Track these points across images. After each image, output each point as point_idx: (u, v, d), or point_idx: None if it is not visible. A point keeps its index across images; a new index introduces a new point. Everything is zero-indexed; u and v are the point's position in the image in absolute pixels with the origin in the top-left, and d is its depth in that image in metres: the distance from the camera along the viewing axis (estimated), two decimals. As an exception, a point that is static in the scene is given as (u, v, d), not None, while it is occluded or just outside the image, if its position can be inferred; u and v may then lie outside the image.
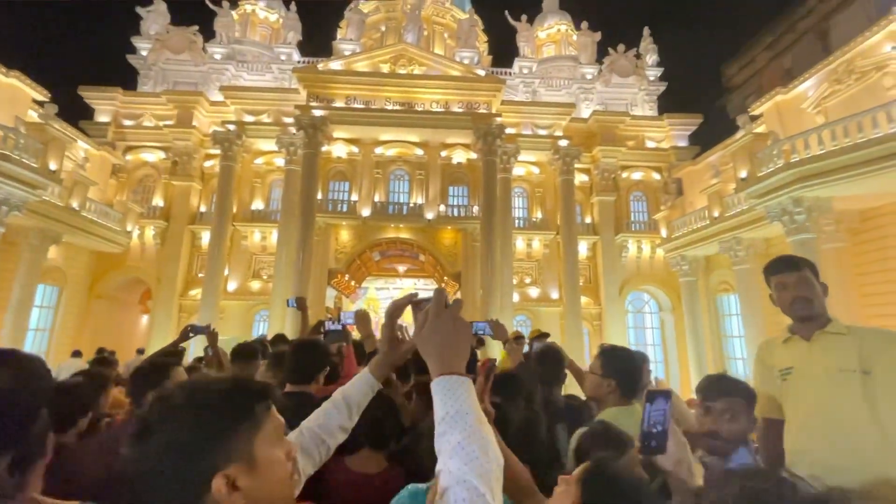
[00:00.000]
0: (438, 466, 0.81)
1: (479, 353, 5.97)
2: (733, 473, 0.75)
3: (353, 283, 20.84)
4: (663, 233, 17.87)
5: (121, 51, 20.75)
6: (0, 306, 12.97)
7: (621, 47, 21.80)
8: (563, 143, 18.07)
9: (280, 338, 5.30)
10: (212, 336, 3.77)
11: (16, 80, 13.15)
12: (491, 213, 16.65)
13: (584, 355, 16.24)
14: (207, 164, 18.65)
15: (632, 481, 1.08)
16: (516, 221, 18.45)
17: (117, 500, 0.82)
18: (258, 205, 18.54)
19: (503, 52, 25.71)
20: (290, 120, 17.33)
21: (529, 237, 18.79)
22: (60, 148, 13.06)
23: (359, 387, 1.36)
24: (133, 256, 17.44)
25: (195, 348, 11.06)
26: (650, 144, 20.04)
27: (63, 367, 10.06)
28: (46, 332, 15.27)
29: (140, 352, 13.08)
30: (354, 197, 18.21)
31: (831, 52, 13.02)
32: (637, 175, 19.69)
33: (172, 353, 3.53)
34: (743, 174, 12.73)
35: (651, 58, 22.36)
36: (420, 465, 1.64)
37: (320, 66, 18.05)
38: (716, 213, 14.66)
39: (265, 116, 18.33)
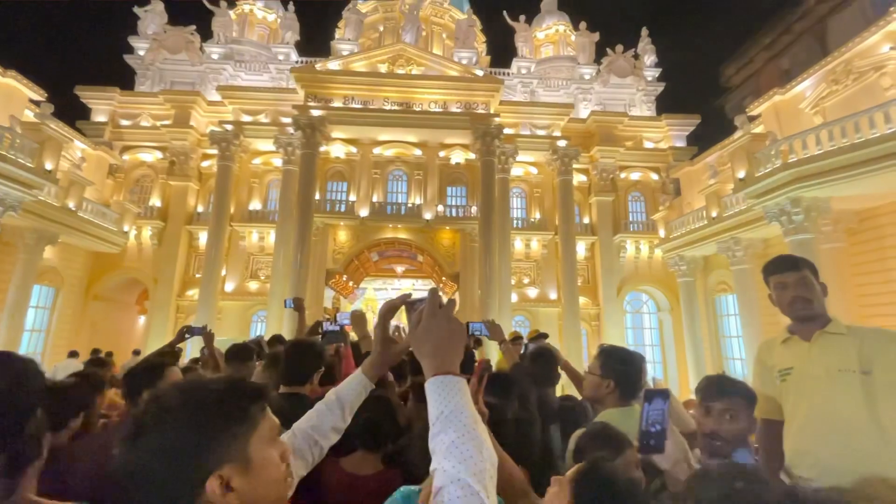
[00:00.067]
0: (433, 466, 0.80)
1: (476, 353, 5.97)
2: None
3: (351, 283, 20.81)
4: (661, 233, 17.88)
5: (118, 51, 20.71)
6: (-4, 307, 12.89)
7: (619, 48, 21.81)
8: (562, 143, 18.08)
9: (278, 338, 5.29)
10: (208, 337, 3.75)
11: (12, 79, 13.08)
12: (489, 213, 16.64)
13: (582, 356, 16.25)
14: (205, 164, 18.60)
15: (625, 482, 1.07)
16: (515, 222, 18.45)
17: (111, 501, 0.81)
18: (256, 205, 18.50)
19: (501, 52, 25.74)
20: (287, 120, 17.31)
21: (528, 237, 18.79)
22: (56, 148, 12.99)
23: (352, 387, 1.36)
24: (130, 257, 17.38)
25: (192, 349, 11.03)
26: (648, 145, 20.06)
27: (59, 368, 10.04)
28: (42, 333, 15.20)
29: (136, 353, 13.05)
30: (352, 197, 18.19)
31: (829, 52, 13.04)
32: (635, 175, 19.71)
33: (168, 354, 3.52)
34: (741, 174, 12.73)
35: (649, 58, 22.40)
36: (416, 466, 1.63)
37: (318, 66, 18.02)
38: (714, 214, 14.68)
39: (263, 116, 18.29)
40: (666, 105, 21.86)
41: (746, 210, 13.01)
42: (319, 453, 1.27)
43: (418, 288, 23.61)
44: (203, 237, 17.54)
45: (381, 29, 23.27)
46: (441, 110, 17.84)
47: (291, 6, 22.75)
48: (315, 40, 32.38)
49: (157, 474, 0.73)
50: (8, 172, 11.13)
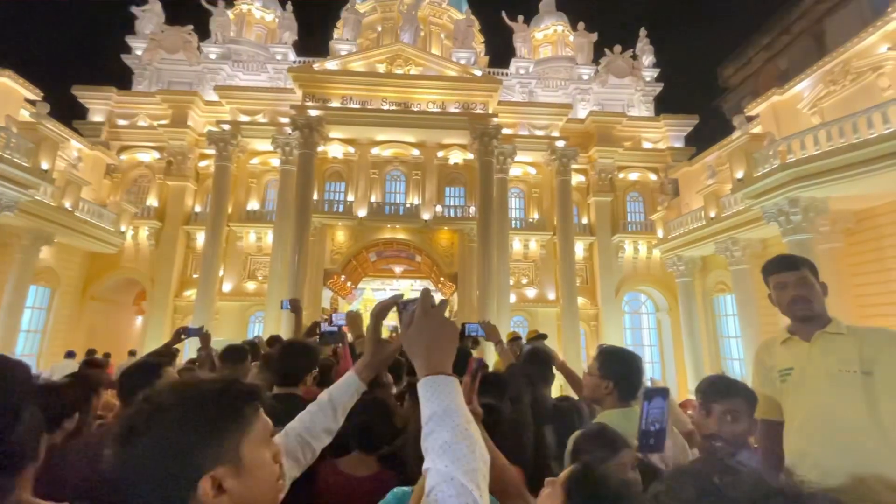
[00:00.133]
0: (425, 465, 0.80)
1: (474, 353, 5.94)
2: (686, 469, 0.71)
3: (349, 284, 20.78)
4: (660, 233, 17.89)
5: (115, 50, 20.67)
6: (-9, 307, 12.82)
7: (618, 48, 21.83)
8: (560, 143, 18.08)
9: (276, 339, 5.28)
10: (205, 338, 3.74)
11: (8, 78, 13.03)
12: (487, 213, 16.63)
13: (581, 356, 16.24)
14: (202, 164, 18.55)
15: (618, 484, 1.07)
16: (513, 222, 18.44)
17: (105, 502, 0.80)
18: (253, 205, 18.45)
19: (500, 52, 25.75)
20: (285, 120, 17.27)
21: (526, 238, 18.78)
22: (52, 147, 12.94)
23: (344, 389, 1.36)
24: (127, 257, 17.31)
25: (189, 350, 10.99)
26: (647, 145, 20.07)
27: (57, 368, 10.04)
28: (39, 334, 15.12)
29: (132, 353, 13.00)
30: (350, 197, 18.15)
31: (826, 53, 13.07)
32: (634, 175, 19.71)
33: (164, 355, 3.51)
34: (739, 175, 12.74)
35: (647, 59, 22.43)
36: (412, 467, 1.61)
37: (316, 66, 17.99)
38: (712, 214, 14.68)
39: (261, 116, 18.25)
40: (664, 105, 21.92)
41: (745, 210, 13.01)
42: (312, 455, 1.27)
43: (417, 289, 23.60)
44: (200, 237, 17.48)
45: (380, 29, 23.25)
46: (439, 110, 17.82)
47: (289, 6, 22.74)
48: (313, 40, 32.31)
49: (148, 474, 0.72)
50: (3, 172, 11.07)
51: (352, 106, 17.59)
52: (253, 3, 22.44)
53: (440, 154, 18.65)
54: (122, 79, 20.08)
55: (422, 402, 0.89)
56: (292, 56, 21.76)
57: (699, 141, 19.40)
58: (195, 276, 17.33)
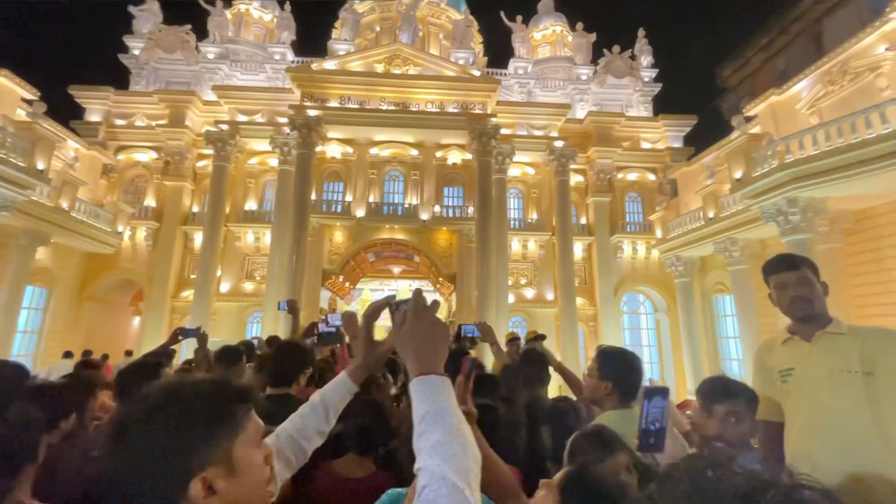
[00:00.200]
0: (417, 465, 0.80)
1: (472, 353, 5.92)
2: (678, 465, 0.70)
3: (347, 284, 20.75)
4: (658, 234, 17.88)
5: (113, 50, 20.61)
6: (-13, 308, 12.75)
7: (616, 48, 21.85)
8: (559, 143, 18.07)
9: (274, 340, 5.26)
10: (202, 339, 3.73)
11: (4, 78, 12.99)
12: (486, 213, 16.61)
13: (579, 356, 16.22)
14: (200, 164, 18.50)
15: (613, 486, 1.08)
16: (512, 222, 18.42)
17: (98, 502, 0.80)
18: (251, 205, 18.41)
19: (499, 52, 25.75)
20: (284, 120, 17.23)
21: (525, 238, 18.76)
22: (49, 147, 12.88)
23: (336, 390, 1.35)
24: (124, 257, 17.25)
25: (187, 351, 10.95)
26: (645, 145, 20.08)
27: (54, 369, 10.03)
28: (35, 335, 15.06)
29: (128, 353, 12.98)
30: (349, 197, 18.12)
31: (824, 53, 13.07)
32: (632, 176, 19.72)
33: (161, 355, 3.53)
34: (738, 175, 12.74)
35: (646, 59, 22.44)
36: (408, 468, 1.60)
37: (314, 66, 17.95)
38: (711, 214, 14.68)
39: (259, 116, 18.21)
40: (663, 106, 21.94)
41: (743, 210, 13.01)
42: (303, 456, 1.26)
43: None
44: (198, 238, 17.43)
45: (378, 29, 23.24)
46: (438, 110, 17.80)
47: (288, 6, 22.72)
48: (311, 40, 32.28)
49: (139, 475, 0.71)
50: (-1, 172, 11.02)
51: (350, 106, 17.55)
52: (251, 2, 22.41)
53: (439, 154, 18.63)
54: (119, 78, 20.08)
55: (413, 403, 0.89)
56: (290, 56, 21.73)
57: (698, 141, 19.44)
58: (193, 276, 17.27)
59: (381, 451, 2.23)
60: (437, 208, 18.15)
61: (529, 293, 18.42)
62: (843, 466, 1.71)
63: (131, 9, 21.05)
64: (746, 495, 0.59)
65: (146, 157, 18.31)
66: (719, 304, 16.88)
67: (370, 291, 23.46)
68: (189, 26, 20.54)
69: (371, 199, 18.12)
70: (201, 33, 21.14)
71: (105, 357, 12.14)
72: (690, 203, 16.74)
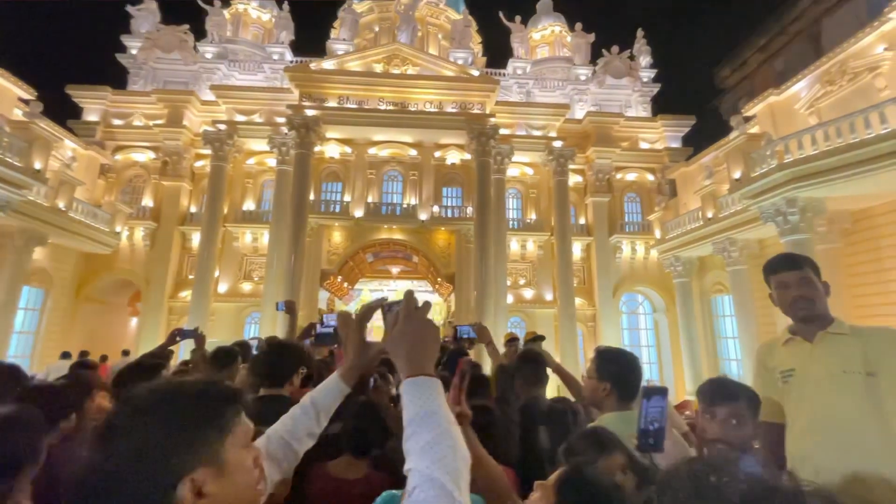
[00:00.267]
0: (407, 466, 0.81)
1: (470, 353, 5.91)
2: (680, 469, 0.70)
3: (346, 284, 20.70)
4: (657, 234, 17.87)
5: (110, 49, 20.54)
6: (-17, 308, 12.69)
7: (615, 49, 21.84)
8: (558, 143, 18.05)
9: (274, 340, 5.24)
10: (200, 340, 3.71)
11: (0, 77, 12.92)
12: (485, 214, 16.59)
13: (578, 357, 16.20)
14: (198, 164, 18.45)
15: (609, 486, 1.09)
16: (510, 222, 18.41)
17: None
18: (249, 205, 18.36)
19: (497, 53, 25.74)
20: (282, 120, 17.18)
21: (523, 238, 18.74)
22: (46, 147, 12.83)
23: (328, 392, 1.35)
24: (122, 258, 17.19)
25: (185, 352, 10.90)
26: (644, 146, 20.08)
27: (52, 369, 10.02)
28: (32, 335, 14.99)
29: (125, 353, 12.95)
30: (347, 198, 18.08)
31: (822, 54, 13.10)
32: (631, 176, 19.72)
33: (159, 356, 3.52)
34: (736, 175, 12.74)
35: (645, 59, 22.44)
36: (402, 469, 1.59)
37: (313, 66, 17.92)
38: (709, 214, 14.68)
39: (257, 116, 18.17)
40: (661, 106, 21.98)
41: (742, 211, 13.01)
42: (294, 458, 1.26)
43: (414, 289, 23.50)
44: (196, 238, 17.38)
45: (377, 29, 23.22)
46: (436, 110, 17.78)
47: (286, 6, 22.70)
48: (310, 40, 32.16)
49: (126, 477, 0.70)
50: (-5, 171, 10.97)
51: (349, 106, 17.52)
52: (249, 2, 22.38)
53: (437, 154, 18.61)
54: (117, 78, 20.01)
55: (404, 404, 0.90)
56: (289, 56, 21.69)
57: (696, 141, 19.45)
58: (190, 276, 17.21)
59: (376, 453, 2.23)
60: (435, 208, 18.12)
61: (528, 293, 18.40)
62: (845, 468, 1.70)
63: (129, 8, 20.99)
64: (749, 502, 0.58)
65: (144, 157, 18.25)
66: (718, 304, 16.88)
67: (369, 292, 23.41)
68: (187, 26, 20.49)
69: (370, 200, 18.09)
70: (199, 33, 21.10)
71: (104, 358, 12.14)
72: (689, 203, 16.74)
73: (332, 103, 17.49)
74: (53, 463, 1.72)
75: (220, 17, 21.39)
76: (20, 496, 1.13)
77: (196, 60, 20.19)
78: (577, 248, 18.70)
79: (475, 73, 18.90)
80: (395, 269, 21.85)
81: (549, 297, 18.24)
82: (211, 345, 4.00)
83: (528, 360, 3.16)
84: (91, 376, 3.64)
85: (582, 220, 19.52)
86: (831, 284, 2.05)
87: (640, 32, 22.88)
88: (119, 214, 16.63)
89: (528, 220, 19.08)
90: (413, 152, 18.44)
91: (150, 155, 18.14)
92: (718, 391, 1.93)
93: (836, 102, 11.94)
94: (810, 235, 11.10)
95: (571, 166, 18.47)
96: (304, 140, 16.54)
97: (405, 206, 18.15)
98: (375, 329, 1.34)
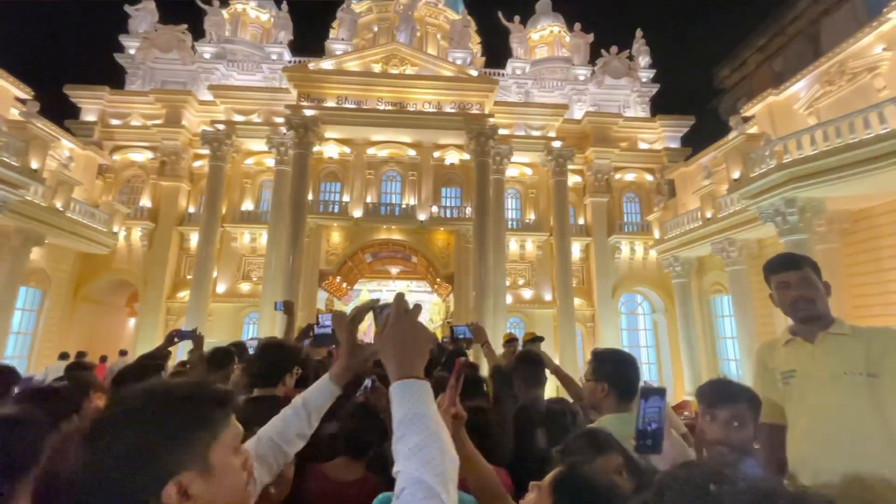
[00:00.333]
0: (395, 468, 0.81)
1: (469, 353, 5.90)
2: (679, 475, 0.69)
3: (344, 285, 20.68)
4: (656, 234, 17.87)
5: (108, 49, 20.48)
6: (-20, 309, 12.64)
7: (614, 49, 21.84)
8: (556, 144, 18.05)
9: (271, 340, 5.22)
10: (198, 341, 3.73)
11: (-3, 77, 12.89)
12: (484, 214, 16.57)
13: (577, 358, 16.18)
14: (196, 164, 18.41)
15: (604, 485, 1.09)
16: (509, 223, 18.40)
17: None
18: (248, 206, 18.32)
19: (496, 53, 25.77)
20: (280, 120, 17.16)
21: (522, 238, 18.73)
22: (43, 146, 12.79)
23: (319, 393, 1.35)
24: (119, 258, 17.14)
25: (183, 353, 10.86)
26: (643, 146, 20.08)
27: (51, 370, 10.00)
28: (29, 336, 14.94)
29: (123, 353, 12.92)
30: (346, 198, 18.05)
31: (821, 54, 13.10)
32: (630, 176, 19.72)
33: (157, 357, 3.53)
34: (735, 175, 12.73)
35: (643, 59, 22.44)
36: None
37: (311, 66, 17.90)
38: (708, 215, 14.68)
39: (255, 116, 18.14)
40: (660, 106, 21.96)
41: (741, 211, 13.01)
42: (284, 459, 1.27)
43: (413, 290, 23.51)
44: (194, 238, 17.32)
45: (376, 29, 23.20)
46: (435, 110, 17.76)
47: (285, 6, 22.68)
48: (309, 40, 32.25)
49: (112, 477, 0.70)
50: (-8, 171, 10.93)
51: (347, 106, 17.50)
52: (248, 2, 22.34)
53: (436, 154, 18.58)
54: (115, 78, 19.96)
55: (393, 407, 0.90)
56: (287, 56, 21.66)
57: (695, 142, 19.43)
58: (189, 277, 17.18)
59: (372, 454, 2.22)
60: (434, 209, 18.10)
61: (527, 294, 18.39)
62: (847, 470, 1.68)
63: (127, 8, 20.94)
64: None
65: (142, 157, 18.21)
66: (717, 304, 16.88)
67: (368, 292, 23.37)
68: (185, 26, 20.45)
69: (368, 200, 18.06)
70: (198, 33, 21.07)
71: (104, 358, 12.13)
72: (688, 203, 16.74)
73: (331, 103, 17.46)
74: (53, 464, 1.72)
75: (218, 16, 21.37)
76: (22, 498, 1.11)
77: (194, 60, 20.15)
78: (576, 249, 18.69)
79: (474, 73, 18.89)
80: (394, 270, 21.82)
81: (548, 297, 18.23)
82: (209, 345, 4.00)
83: (527, 361, 3.15)
84: (88, 377, 3.64)
85: (581, 221, 19.52)
86: (830, 284, 2.03)
87: (638, 33, 22.90)
88: (117, 214, 16.58)
89: (527, 221, 19.06)
90: (412, 152, 18.42)
91: (149, 155, 18.10)
92: (719, 393, 1.91)
93: (835, 103, 11.94)
94: (809, 235, 11.09)
95: (570, 166, 18.47)
96: (303, 140, 16.51)
97: (404, 206, 18.13)
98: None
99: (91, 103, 18.16)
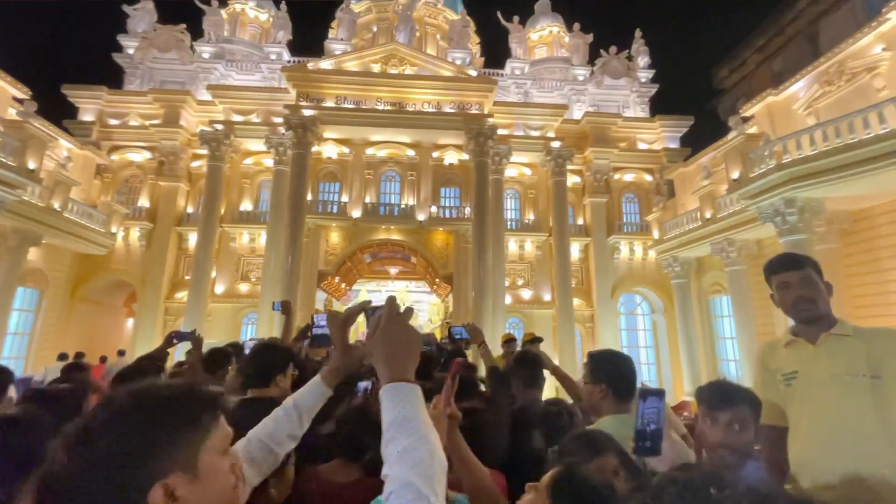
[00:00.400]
0: (384, 471, 0.81)
1: (468, 353, 5.89)
2: (678, 478, 0.68)
3: (343, 285, 20.65)
4: (655, 234, 17.87)
5: (107, 49, 20.44)
6: (-23, 310, 12.59)
7: (613, 49, 21.85)
8: (556, 144, 18.04)
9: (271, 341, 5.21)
10: (197, 341, 3.73)
11: (-5, 76, 12.84)
12: (483, 214, 16.55)
13: (576, 358, 16.16)
14: (195, 164, 18.37)
15: (600, 485, 1.09)
16: (508, 223, 18.40)
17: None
18: (247, 206, 18.29)
19: (495, 53, 25.80)
20: (279, 120, 17.14)
21: (522, 239, 18.72)
22: (40, 146, 12.75)
23: (310, 394, 1.34)
24: (117, 259, 17.10)
25: (181, 354, 10.83)
26: (642, 146, 20.08)
27: (50, 370, 9.98)
28: (27, 337, 14.88)
29: (121, 353, 12.90)
30: (345, 198, 18.02)
31: (820, 55, 13.10)
32: (629, 176, 19.72)
33: (156, 358, 3.54)
34: (735, 175, 12.72)
35: (643, 60, 22.44)
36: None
37: (310, 66, 17.87)
38: (707, 215, 14.67)
39: (254, 116, 18.11)
40: (659, 106, 21.98)
41: (740, 211, 13.00)
42: (274, 460, 1.26)
43: (412, 290, 23.50)
44: (192, 238, 17.29)
45: (375, 29, 23.18)
46: (434, 110, 17.75)
47: (284, 6, 22.67)
48: (308, 40, 32.21)
49: (98, 479, 0.70)
50: (-11, 171, 10.88)
51: (346, 106, 17.48)
52: (247, 2, 22.32)
53: (435, 154, 18.57)
54: (113, 78, 19.93)
55: (383, 409, 0.90)
56: (286, 56, 21.63)
57: (694, 142, 19.43)
58: (187, 277, 17.15)
59: (368, 457, 2.20)
60: (433, 209, 18.08)
61: (526, 294, 18.37)
62: (848, 473, 1.66)
63: (126, 8, 20.90)
64: None
65: (140, 157, 18.18)
66: (716, 304, 16.87)
67: (367, 293, 23.35)
68: (184, 25, 20.43)
69: (367, 200, 18.04)
70: (196, 33, 21.04)
71: (104, 359, 12.10)
72: (687, 204, 16.73)
73: (330, 103, 17.44)
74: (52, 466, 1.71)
75: (217, 16, 21.34)
76: (23, 500, 1.11)
77: (193, 60, 20.12)
78: (575, 249, 18.68)
79: (473, 73, 18.88)
80: (393, 270, 21.79)
81: (547, 297, 18.21)
82: (208, 345, 4.00)
83: (524, 363, 3.13)
84: (84, 378, 3.63)
85: (580, 221, 19.51)
86: (832, 285, 2.00)
87: (638, 33, 22.89)
88: (115, 215, 16.53)
89: (527, 221, 19.05)
90: (411, 152, 18.40)
91: (147, 155, 18.07)
92: (720, 395, 1.88)
93: (835, 103, 11.94)
94: (809, 236, 11.08)
95: (569, 167, 18.46)
96: (302, 140, 16.48)
97: (403, 206, 18.11)
98: None
99: (89, 103, 18.12)
